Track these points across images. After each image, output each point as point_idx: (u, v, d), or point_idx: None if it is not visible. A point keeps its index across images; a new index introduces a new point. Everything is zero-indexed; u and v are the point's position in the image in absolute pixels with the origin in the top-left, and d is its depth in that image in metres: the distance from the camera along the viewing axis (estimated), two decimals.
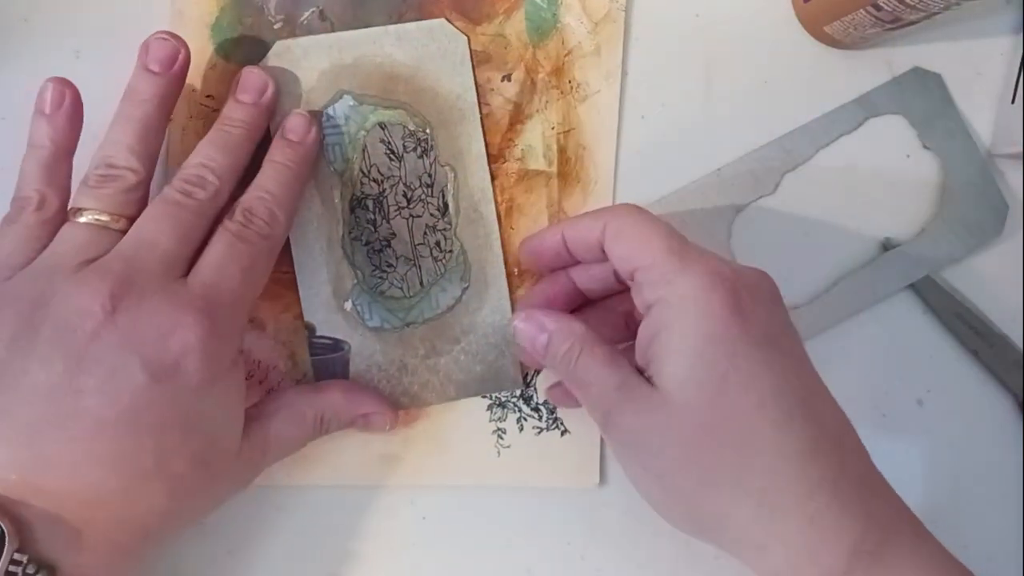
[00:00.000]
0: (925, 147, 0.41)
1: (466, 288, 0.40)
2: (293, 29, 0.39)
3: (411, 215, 0.40)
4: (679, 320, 0.31)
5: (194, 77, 0.39)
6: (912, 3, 0.34)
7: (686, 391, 0.30)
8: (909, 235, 0.41)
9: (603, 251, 0.34)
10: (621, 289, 0.37)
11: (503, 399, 0.40)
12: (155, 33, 0.35)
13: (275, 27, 0.39)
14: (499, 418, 0.40)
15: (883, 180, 0.41)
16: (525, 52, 0.40)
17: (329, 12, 0.39)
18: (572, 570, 0.40)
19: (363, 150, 0.39)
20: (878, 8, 0.35)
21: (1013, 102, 0.40)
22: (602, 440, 0.40)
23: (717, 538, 0.32)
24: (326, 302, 0.39)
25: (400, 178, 0.39)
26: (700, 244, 0.33)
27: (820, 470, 0.30)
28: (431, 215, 0.40)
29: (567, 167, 0.40)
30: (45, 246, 0.32)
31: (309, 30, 0.39)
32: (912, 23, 0.37)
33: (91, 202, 0.32)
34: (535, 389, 0.40)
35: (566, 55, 0.40)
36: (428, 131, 0.39)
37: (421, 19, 0.39)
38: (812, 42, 0.41)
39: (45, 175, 0.33)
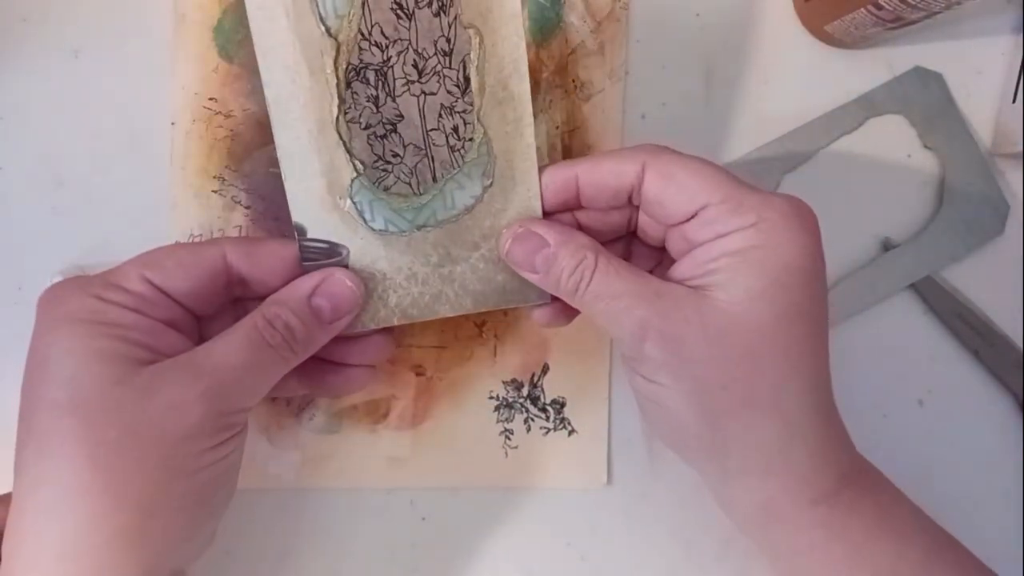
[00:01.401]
0: (926, 147, 0.41)
1: (488, 185, 0.33)
2: None
3: (423, 91, 0.32)
4: (767, 244, 0.30)
5: (197, 80, 0.39)
6: (913, 2, 0.34)
7: (756, 306, 0.30)
8: (909, 235, 0.41)
9: (629, 197, 0.33)
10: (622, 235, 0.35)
11: (510, 400, 0.40)
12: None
13: None
14: (506, 419, 0.40)
15: (884, 180, 0.41)
16: (529, 52, 0.40)
17: None
18: (572, 570, 0.40)
19: (363, 3, 0.31)
20: (879, 7, 0.35)
21: (1013, 102, 0.40)
22: (609, 440, 0.40)
23: (720, 464, 0.32)
24: (319, 198, 0.33)
25: (410, 42, 0.32)
26: None
27: (827, 405, 0.32)
28: (448, 92, 0.32)
29: None
30: None
31: None
32: (913, 22, 0.37)
33: None
34: (542, 390, 0.40)
35: (570, 54, 0.40)
36: None
37: None
38: (813, 41, 0.41)
39: None
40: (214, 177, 0.40)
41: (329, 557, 0.40)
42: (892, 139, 0.41)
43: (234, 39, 0.39)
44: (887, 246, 0.41)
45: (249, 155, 0.40)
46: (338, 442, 0.40)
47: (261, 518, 0.40)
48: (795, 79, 0.41)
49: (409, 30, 0.31)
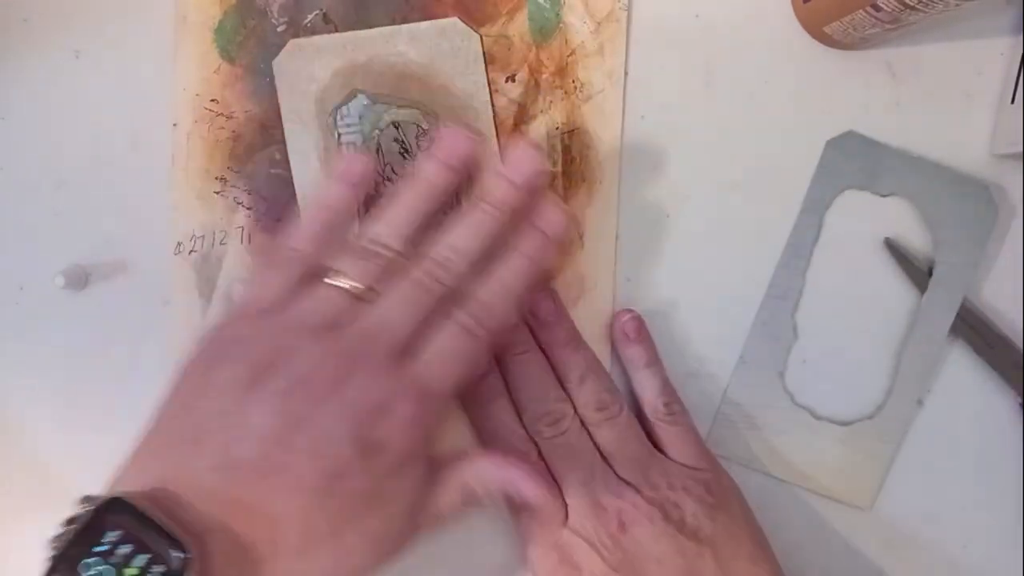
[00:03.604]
0: (884, 196, 0.41)
1: None
2: (297, 31, 0.39)
3: None
4: None
5: (198, 81, 0.39)
6: (911, 3, 0.34)
7: None
8: (910, 239, 0.41)
9: None
10: None
11: None
12: (450, 129, 0.35)
13: (279, 30, 0.39)
14: None
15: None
16: (528, 53, 0.40)
17: (333, 14, 0.39)
18: None
19: (377, 149, 0.39)
20: (877, 9, 0.35)
21: (1013, 102, 0.40)
22: None
23: None
24: None
25: None
26: None
27: None
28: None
29: (572, 167, 0.40)
30: (294, 295, 0.33)
31: (312, 32, 0.39)
32: (912, 24, 0.37)
33: (353, 271, 0.33)
34: None
35: (569, 55, 0.40)
36: None
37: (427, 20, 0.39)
38: (812, 43, 0.41)
39: (324, 236, 0.34)
40: (216, 178, 0.40)
41: None
42: (856, 212, 0.41)
43: (235, 40, 0.39)
44: (888, 246, 0.41)
45: (251, 156, 0.40)
46: None
47: None
48: (794, 80, 0.41)
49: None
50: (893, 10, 0.35)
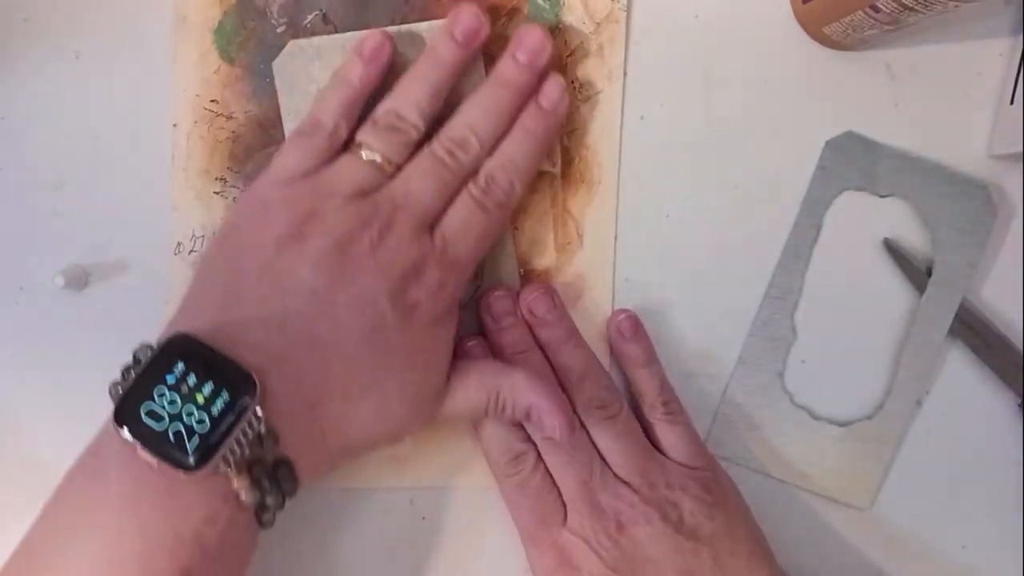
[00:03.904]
0: (882, 196, 0.41)
1: (479, 286, 0.40)
2: (296, 32, 0.39)
3: None
4: None
5: (198, 81, 0.39)
6: (910, 4, 0.34)
7: None
8: (909, 240, 0.41)
9: None
10: None
11: None
12: (467, 7, 0.37)
13: (278, 31, 0.39)
14: None
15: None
16: None
17: (332, 15, 0.39)
18: None
19: None
20: (876, 10, 0.35)
21: (1012, 103, 0.40)
22: None
23: None
24: None
25: None
26: None
27: None
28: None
29: (571, 168, 0.40)
30: (322, 165, 0.35)
31: (312, 33, 0.39)
32: (911, 24, 0.37)
33: (376, 143, 0.35)
34: None
35: (568, 56, 0.40)
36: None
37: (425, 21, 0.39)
38: (811, 43, 0.41)
39: (345, 109, 0.36)
40: (216, 179, 0.40)
41: (329, 557, 0.40)
42: (856, 214, 0.41)
43: (235, 41, 0.39)
44: (888, 246, 0.41)
45: (251, 156, 0.40)
46: None
47: None
48: (793, 81, 0.41)
49: None
50: (892, 11, 0.35)
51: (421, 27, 0.39)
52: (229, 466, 0.29)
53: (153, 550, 0.28)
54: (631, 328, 0.39)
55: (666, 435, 0.38)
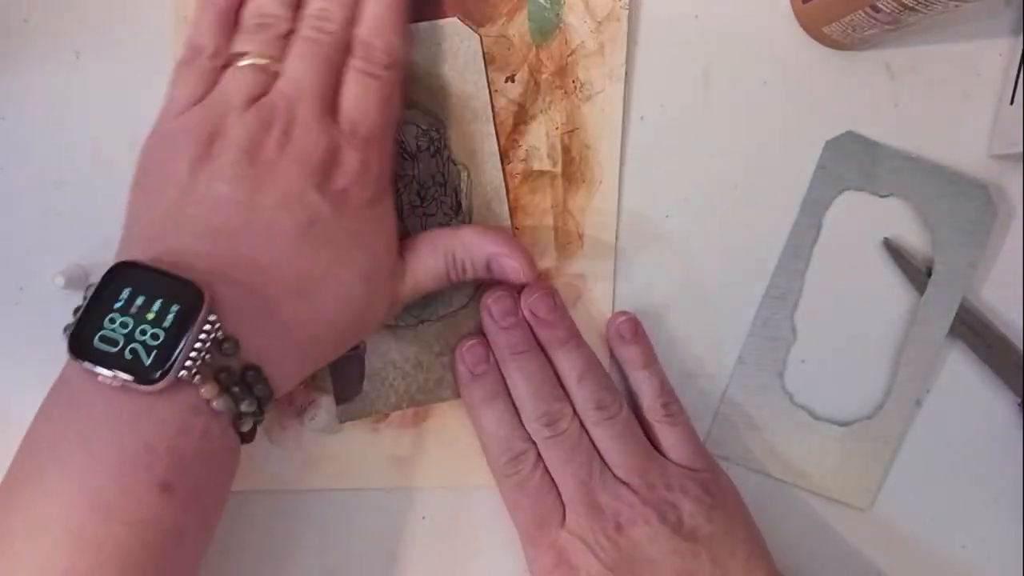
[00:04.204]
0: (882, 196, 0.41)
1: (479, 286, 0.40)
2: None
3: (425, 214, 0.40)
4: None
5: None
6: (910, 4, 0.34)
7: None
8: (909, 240, 0.41)
9: None
10: None
11: None
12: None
13: None
14: None
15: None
16: (528, 53, 0.40)
17: None
18: None
19: None
20: (876, 10, 0.35)
21: (1012, 103, 0.40)
22: None
23: None
24: None
25: (414, 177, 0.40)
26: None
27: None
28: (444, 214, 0.40)
29: (572, 167, 0.40)
30: (213, 87, 0.35)
31: None
32: (911, 24, 0.37)
33: (250, 47, 0.35)
34: None
35: (569, 55, 0.40)
36: (441, 130, 0.40)
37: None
38: (811, 43, 0.41)
39: (218, 27, 0.35)
40: None
41: (329, 557, 0.40)
42: (856, 213, 0.41)
43: None
44: (888, 246, 0.41)
45: None
46: (339, 442, 0.40)
47: (261, 518, 0.40)
48: (793, 81, 0.41)
49: (413, 168, 0.40)
50: (892, 11, 0.35)
51: (422, 27, 0.39)
52: (194, 376, 0.29)
53: (128, 464, 0.29)
54: (630, 330, 0.39)
55: (666, 436, 0.38)
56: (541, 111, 0.40)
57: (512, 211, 0.40)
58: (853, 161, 0.41)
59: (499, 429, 0.38)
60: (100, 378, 0.29)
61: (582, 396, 0.38)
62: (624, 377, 0.40)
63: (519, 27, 0.40)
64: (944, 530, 0.41)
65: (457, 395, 0.40)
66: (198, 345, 0.29)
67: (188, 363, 0.29)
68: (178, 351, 0.29)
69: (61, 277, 0.38)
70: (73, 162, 0.40)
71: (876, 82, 0.41)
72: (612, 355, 0.40)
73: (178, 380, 0.29)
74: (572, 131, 0.40)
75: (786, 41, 0.41)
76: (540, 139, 0.40)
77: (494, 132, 0.40)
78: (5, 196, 0.40)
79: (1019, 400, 0.41)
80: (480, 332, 0.39)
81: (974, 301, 0.41)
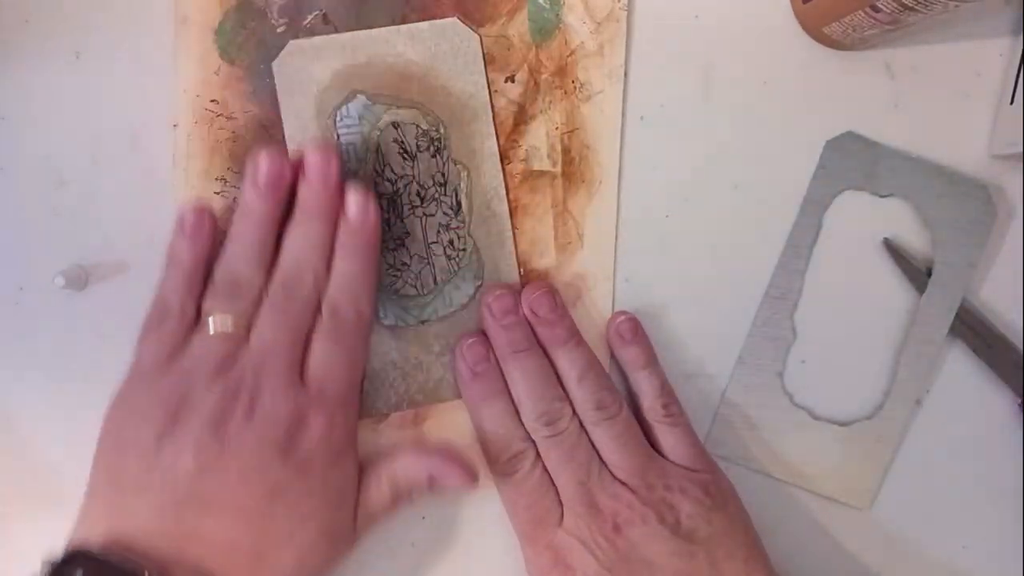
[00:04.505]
0: (882, 196, 0.41)
1: (479, 286, 0.40)
2: (296, 32, 0.39)
3: (424, 214, 0.40)
4: None
5: (198, 82, 0.39)
6: (910, 4, 0.34)
7: None
8: (909, 240, 0.41)
9: None
10: None
11: None
12: (263, 153, 0.36)
13: (278, 31, 0.39)
14: None
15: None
16: (528, 53, 0.40)
17: (332, 15, 0.39)
18: None
19: (377, 149, 0.39)
20: (876, 10, 0.35)
21: (1012, 103, 0.40)
22: None
23: None
24: None
25: (414, 177, 0.40)
26: None
27: None
28: (444, 214, 0.40)
29: (571, 167, 0.40)
30: (182, 347, 0.35)
31: (312, 33, 0.39)
32: (911, 24, 0.37)
33: (221, 309, 0.36)
34: None
35: (569, 55, 0.40)
36: (441, 130, 0.40)
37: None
38: (811, 43, 0.41)
39: (185, 286, 0.36)
40: (216, 179, 0.40)
41: None
42: (855, 214, 0.41)
43: (235, 41, 0.39)
44: (888, 246, 0.41)
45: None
46: None
47: None
48: (793, 81, 0.41)
49: (413, 168, 0.40)
50: (892, 11, 0.35)
51: (421, 27, 0.39)
52: None
53: None
54: (630, 330, 0.39)
55: (665, 437, 0.38)
56: (541, 111, 0.40)
57: (512, 211, 0.40)
58: (853, 161, 0.41)
59: (498, 428, 0.38)
60: None
61: (582, 396, 0.38)
62: (624, 377, 0.40)
63: (519, 27, 0.40)
64: (944, 530, 0.41)
65: (457, 395, 0.40)
66: None
67: None
68: None
69: (61, 277, 0.38)
70: (73, 162, 0.40)
71: (876, 82, 0.41)
72: (612, 355, 0.40)
73: None
74: (572, 131, 0.40)
75: (786, 41, 0.41)
76: (540, 139, 0.40)
77: (494, 132, 0.40)
78: (5, 196, 0.40)
79: (1019, 400, 0.41)
80: (481, 330, 0.39)
81: (973, 301, 0.41)
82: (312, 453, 0.34)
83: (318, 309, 0.36)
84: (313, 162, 0.37)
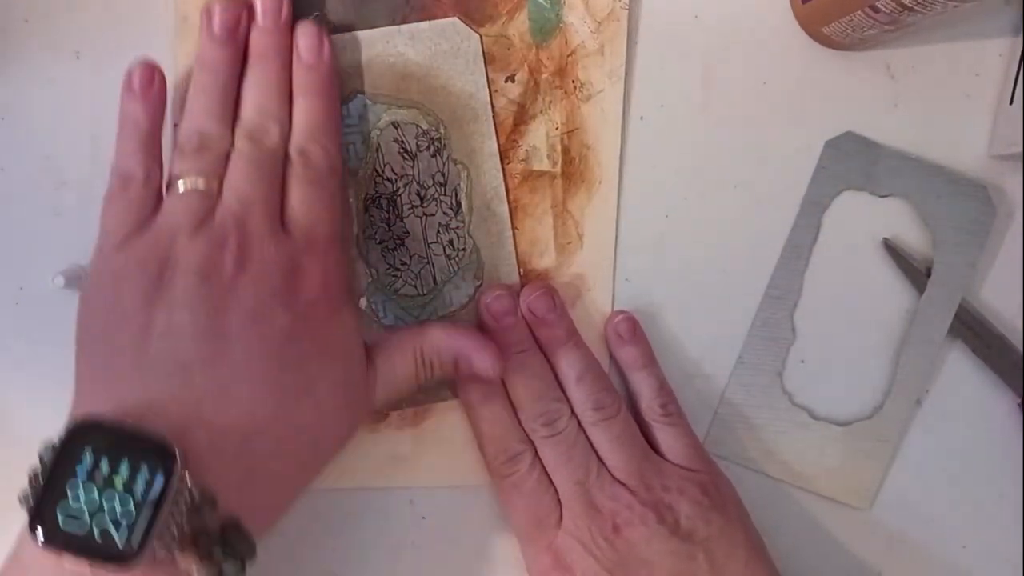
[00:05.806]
0: (882, 196, 0.41)
1: (479, 286, 0.40)
2: None
3: (424, 213, 0.40)
4: None
5: None
6: (910, 5, 0.34)
7: None
8: (909, 240, 0.41)
9: None
10: None
11: None
12: (216, 1, 0.35)
13: None
14: None
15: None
16: (528, 53, 0.40)
17: (332, 15, 0.39)
18: None
19: (377, 149, 0.40)
20: (876, 10, 0.35)
21: (1011, 103, 0.40)
22: None
23: None
24: None
25: (414, 177, 0.40)
26: None
27: None
28: (444, 213, 0.40)
29: (571, 167, 0.40)
30: (152, 214, 0.33)
31: None
32: (910, 24, 0.37)
33: (191, 169, 0.33)
34: None
35: (569, 55, 0.40)
36: (441, 130, 0.40)
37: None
38: (811, 43, 0.41)
39: (145, 148, 0.34)
40: None
41: (329, 557, 0.40)
42: (857, 215, 0.41)
43: None
44: (888, 246, 0.41)
45: None
46: None
47: None
48: (793, 81, 0.41)
49: (413, 167, 0.40)
50: (892, 11, 0.35)
51: (421, 27, 0.39)
52: (170, 547, 0.27)
53: None
54: (629, 330, 0.39)
55: (664, 437, 0.38)
56: (541, 111, 0.40)
57: (512, 211, 0.40)
58: (853, 161, 0.41)
59: (496, 428, 0.38)
60: (67, 564, 0.27)
61: (580, 396, 0.38)
62: (623, 378, 0.40)
63: (519, 27, 0.40)
64: (944, 530, 0.41)
65: (457, 395, 0.40)
66: (174, 514, 0.27)
67: (165, 535, 0.27)
68: (154, 526, 0.27)
69: (61, 277, 0.38)
70: (73, 162, 0.40)
71: (876, 82, 0.41)
72: (612, 356, 0.40)
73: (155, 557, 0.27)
74: (572, 131, 0.40)
75: (786, 41, 0.41)
76: (540, 139, 0.40)
77: (494, 132, 0.40)
78: (5, 196, 0.40)
79: (1019, 400, 0.41)
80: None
81: (972, 301, 0.41)
82: (314, 301, 0.33)
83: (287, 158, 0.35)
84: (264, 4, 0.35)
